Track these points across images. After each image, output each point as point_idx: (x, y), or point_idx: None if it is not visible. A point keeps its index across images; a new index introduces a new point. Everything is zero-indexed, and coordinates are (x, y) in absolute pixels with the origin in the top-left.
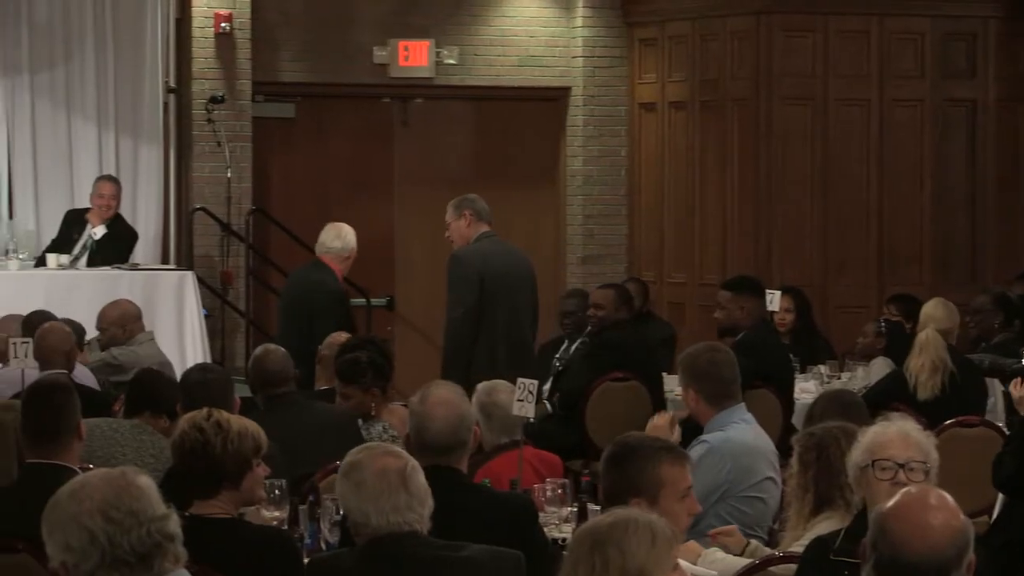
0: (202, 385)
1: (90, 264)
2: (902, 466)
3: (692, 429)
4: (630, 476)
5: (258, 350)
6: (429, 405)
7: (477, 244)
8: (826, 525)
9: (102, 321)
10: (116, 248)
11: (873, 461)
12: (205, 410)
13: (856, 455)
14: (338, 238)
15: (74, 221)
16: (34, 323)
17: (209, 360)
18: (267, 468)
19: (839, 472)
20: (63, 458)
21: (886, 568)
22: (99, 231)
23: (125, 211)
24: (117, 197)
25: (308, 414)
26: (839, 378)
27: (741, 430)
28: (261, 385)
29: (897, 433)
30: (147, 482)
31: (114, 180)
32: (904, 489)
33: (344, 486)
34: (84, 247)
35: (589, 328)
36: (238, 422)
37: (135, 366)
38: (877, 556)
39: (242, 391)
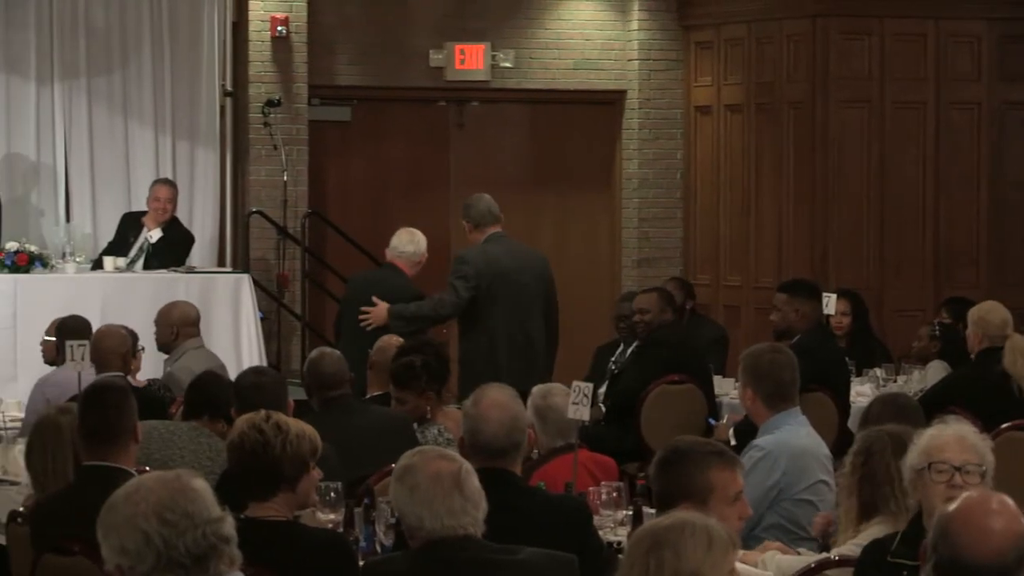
0: (256, 388)
1: (146, 267)
2: (958, 469)
3: (746, 434)
4: (679, 481)
5: (313, 353)
6: (483, 408)
7: (483, 246)
8: (877, 529)
9: (158, 318)
10: (172, 251)
11: (929, 464)
12: (263, 412)
13: (912, 457)
14: (412, 243)
15: (130, 224)
16: (68, 327)
17: (265, 363)
18: (320, 471)
19: (883, 482)
20: (119, 460)
21: (946, 571)
22: (155, 234)
23: (181, 214)
24: (173, 200)
25: (363, 417)
26: (895, 381)
27: (794, 433)
28: (316, 388)
29: (953, 436)
30: (202, 484)
31: (170, 183)
32: (966, 493)
33: (398, 490)
34: (140, 250)
35: (639, 333)
36: (296, 424)
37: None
38: (937, 558)
39: (296, 394)
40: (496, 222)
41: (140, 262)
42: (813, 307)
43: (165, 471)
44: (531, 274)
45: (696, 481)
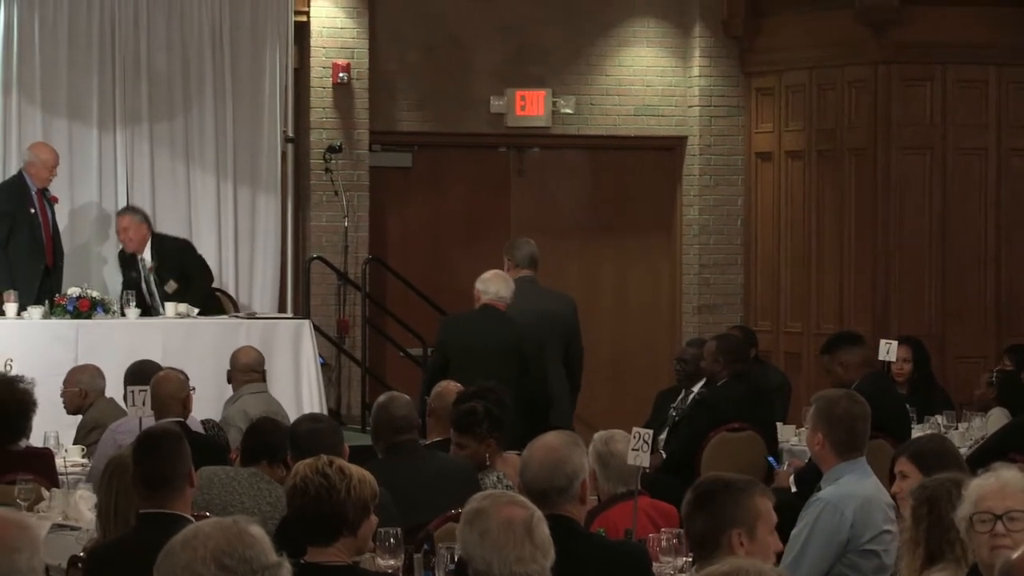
0: (312, 435)
1: (160, 283)
2: (999, 517)
3: (807, 481)
4: (728, 509)
5: (382, 397)
6: (532, 449)
7: None
8: None
9: (230, 363)
10: (174, 260)
11: (972, 514)
12: (324, 457)
13: (962, 508)
14: (507, 287)
15: (125, 260)
16: (148, 371)
17: (325, 409)
18: (376, 517)
19: (950, 527)
20: (175, 506)
21: None
22: (147, 258)
23: (243, 260)
24: (135, 226)
25: (430, 463)
26: (956, 428)
27: (859, 483)
28: (385, 432)
29: (996, 484)
30: (259, 530)
31: (129, 210)
32: None
33: (467, 533)
34: (148, 273)
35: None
36: (357, 469)
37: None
38: None
39: (353, 440)
40: (530, 266)
41: (152, 282)
42: (856, 353)
43: (222, 517)
44: (547, 321)
45: (744, 507)
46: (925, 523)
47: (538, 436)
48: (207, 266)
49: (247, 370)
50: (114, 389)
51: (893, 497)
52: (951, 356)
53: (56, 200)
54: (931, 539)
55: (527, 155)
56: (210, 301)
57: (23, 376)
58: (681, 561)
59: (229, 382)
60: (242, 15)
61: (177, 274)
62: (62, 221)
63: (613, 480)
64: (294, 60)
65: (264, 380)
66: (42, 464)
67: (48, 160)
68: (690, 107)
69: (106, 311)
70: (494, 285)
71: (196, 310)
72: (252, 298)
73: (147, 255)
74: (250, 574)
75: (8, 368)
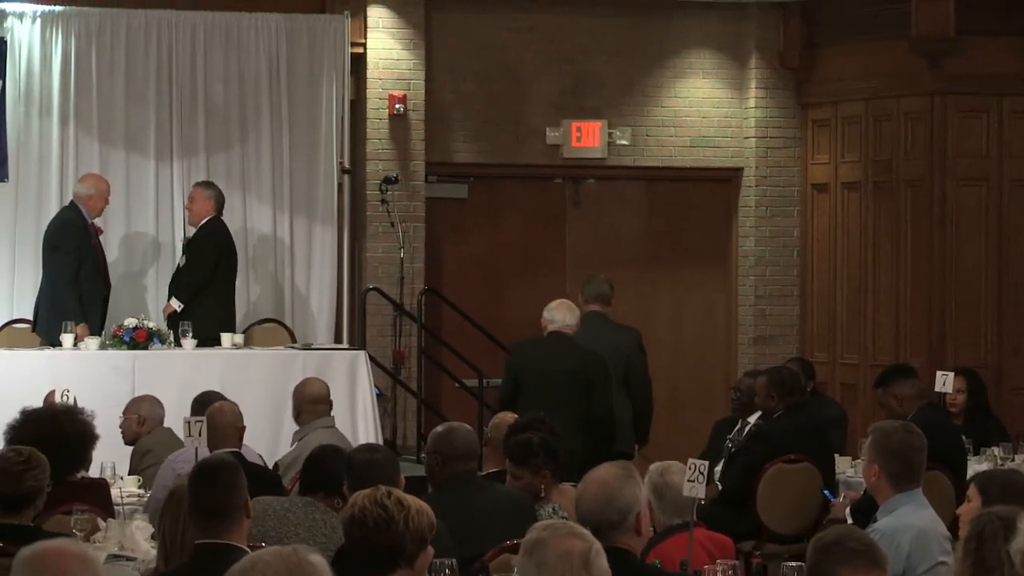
0: (369, 465)
1: (184, 257)
2: None
3: (863, 513)
4: (811, 568)
5: (440, 427)
6: (586, 483)
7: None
8: None
9: (294, 397)
10: (196, 248)
11: None
12: (382, 488)
13: (1016, 540)
14: (572, 314)
15: None
16: (211, 401)
17: (380, 440)
18: (432, 548)
19: (994, 567)
20: (232, 537)
21: None
22: (191, 231)
23: (299, 291)
24: (199, 199)
25: (488, 494)
26: (1013, 460)
27: (915, 514)
28: (446, 460)
29: None
30: (319, 559)
31: (203, 184)
32: None
33: (525, 563)
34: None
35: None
36: (415, 500)
37: None
38: None
39: (409, 471)
40: (597, 301)
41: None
42: (909, 386)
43: (281, 547)
44: (612, 351)
45: (820, 574)
46: (972, 558)
47: (596, 466)
48: (213, 262)
49: (316, 402)
50: (171, 420)
51: (956, 518)
52: (1007, 388)
53: (101, 231)
54: (976, 575)
55: (583, 186)
56: (222, 316)
57: (83, 408)
58: None
59: (297, 416)
60: (299, 47)
61: (193, 253)
62: (118, 251)
63: (669, 511)
64: (350, 91)
65: (330, 413)
66: (97, 494)
67: (104, 190)
68: (746, 138)
69: (162, 342)
70: (559, 313)
71: (239, 336)
72: (308, 329)
73: (192, 230)
74: None
75: (65, 398)
